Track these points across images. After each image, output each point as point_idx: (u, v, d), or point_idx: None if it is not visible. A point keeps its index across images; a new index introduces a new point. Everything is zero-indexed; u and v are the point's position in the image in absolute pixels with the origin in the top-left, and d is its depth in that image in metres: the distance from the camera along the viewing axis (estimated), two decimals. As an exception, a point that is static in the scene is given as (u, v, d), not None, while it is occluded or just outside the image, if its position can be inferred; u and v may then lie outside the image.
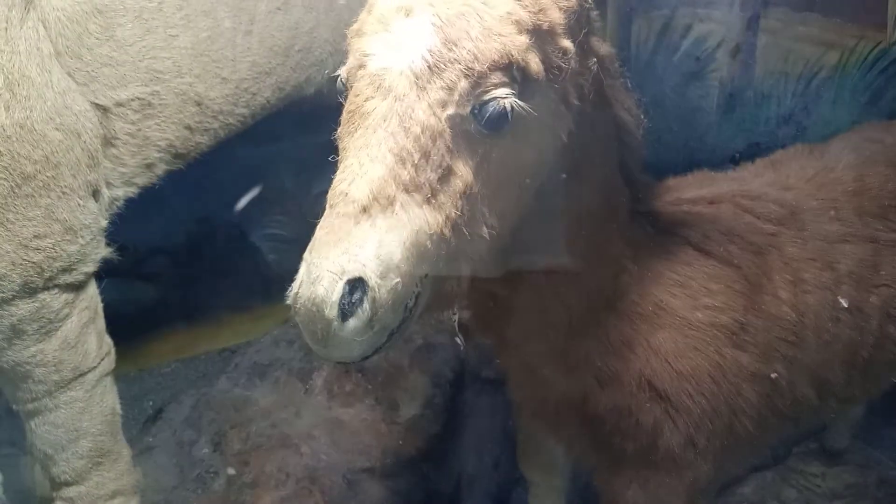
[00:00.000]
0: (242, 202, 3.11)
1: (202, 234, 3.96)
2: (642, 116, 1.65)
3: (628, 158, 1.64)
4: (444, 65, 1.12)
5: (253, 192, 3.08)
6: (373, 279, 1.05)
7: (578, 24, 1.27)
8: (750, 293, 1.71)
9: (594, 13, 1.36)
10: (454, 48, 1.12)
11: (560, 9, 1.22)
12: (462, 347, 1.97)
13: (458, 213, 1.16)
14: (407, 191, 1.10)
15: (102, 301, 2.15)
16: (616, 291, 1.63)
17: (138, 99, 1.88)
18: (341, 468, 2.77)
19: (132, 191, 2.10)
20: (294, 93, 2.47)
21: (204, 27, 1.97)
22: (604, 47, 1.51)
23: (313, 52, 2.42)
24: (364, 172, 1.09)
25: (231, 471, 2.79)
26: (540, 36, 1.20)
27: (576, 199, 1.48)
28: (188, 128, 2.09)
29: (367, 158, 1.10)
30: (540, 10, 1.19)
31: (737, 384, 1.69)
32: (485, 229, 1.22)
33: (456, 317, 1.89)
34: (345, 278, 1.04)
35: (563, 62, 1.23)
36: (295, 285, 1.08)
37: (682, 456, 1.71)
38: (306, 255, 1.08)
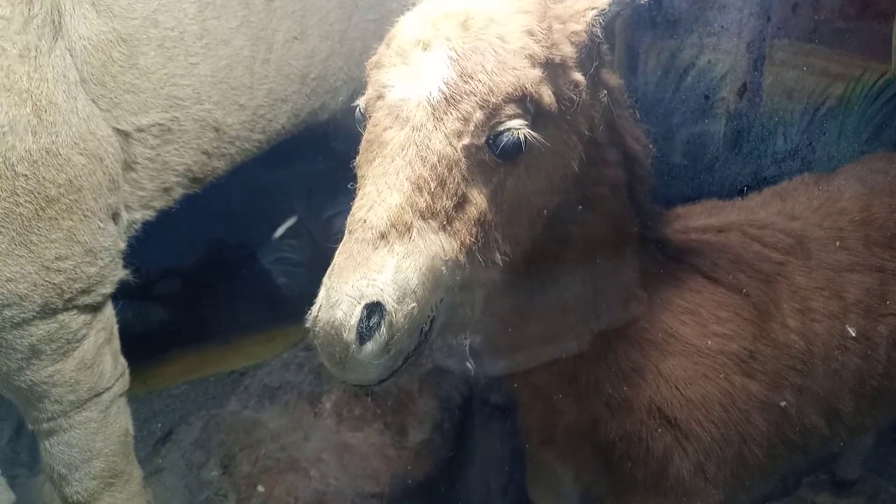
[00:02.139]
0: (280, 230, 3.14)
1: (213, 257, 4.00)
2: (650, 146, 1.69)
3: (637, 187, 1.67)
4: (461, 96, 1.16)
5: (289, 222, 3.09)
6: (390, 304, 1.08)
7: (589, 58, 1.31)
8: (759, 321, 1.72)
9: (604, 47, 1.40)
10: (470, 81, 1.16)
11: (572, 43, 1.27)
12: (473, 372, 1.98)
13: (473, 239, 1.19)
14: (423, 218, 1.14)
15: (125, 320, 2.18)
16: (626, 318, 1.65)
17: (158, 125, 1.93)
18: (350, 493, 2.77)
19: (150, 214, 2.14)
20: (309, 119, 2.52)
21: (223, 55, 2.02)
22: (613, 79, 1.55)
23: (328, 80, 2.47)
24: (382, 200, 1.13)
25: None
26: (552, 69, 1.24)
27: (586, 226, 1.51)
28: (206, 153, 2.14)
29: (385, 186, 1.14)
30: (552, 45, 1.23)
31: (746, 412, 1.70)
32: (498, 255, 1.25)
33: (467, 342, 1.91)
34: (363, 303, 1.07)
35: (575, 94, 1.27)
36: (314, 309, 1.11)
37: (692, 483, 1.71)
38: (325, 279, 1.11)
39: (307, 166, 3.59)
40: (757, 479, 1.88)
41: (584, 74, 1.29)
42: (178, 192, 2.17)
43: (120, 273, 2.03)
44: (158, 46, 1.86)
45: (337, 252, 1.13)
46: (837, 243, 1.90)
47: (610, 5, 1.28)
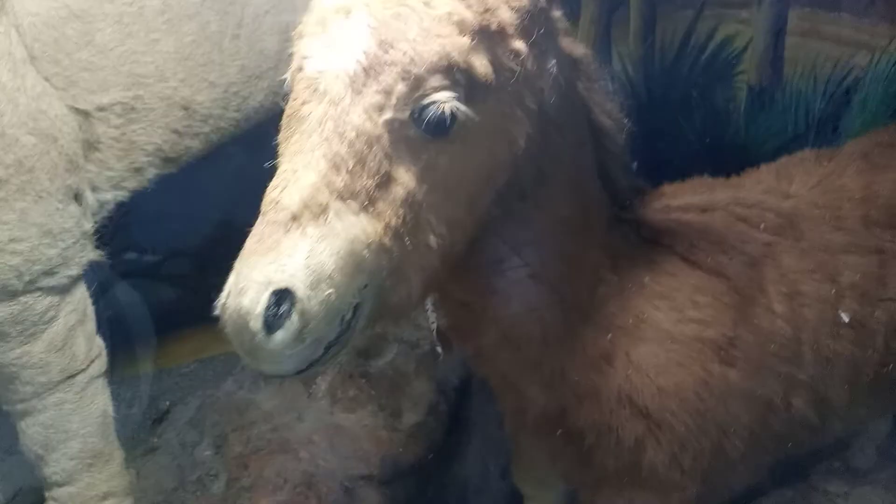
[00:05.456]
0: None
1: (222, 236, 3.99)
2: (624, 121, 1.58)
3: (609, 163, 1.57)
4: (380, 67, 1.07)
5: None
6: (301, 290, 1.01)
7: (534, 25, 1.20)
8: (741, 306, 1.62)
9: (556, 13, 1.29)
10: (390, 50, 1.07)
11: (511, 8, 1.16)
12: (441, 356, 1.93)
13: (400, 221, 1.11)
14: (342, 198, 1.06)
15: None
16: (594, 303, 1.56)
17: (121, 103, 1.88)
18: (339, 475, 2.74)
19: (122, 194, 2.11)
20: (292, 96, 2.45)
21: (188, 31, 1.96)
22: (578, 49, 1.44)
23: (309, 55, 2.39)
24: (296, 179, 1.05)
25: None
26: (488, 37, 1.14)
27: (545, 205, 1.42)
28: (176, 132, 2.09)
29: (300, 164, 1.06)
30: (486, 10, 1.13)
31: (725, 402, 1.60)
32: (432, 238, 1.17)
33: (435, 325, 1.84)
34: (270, 289, 1.00)
35: (516, 64, 1.17)
36: (223, 295, 1.04)
37: (668, 476, 1.63)
38: (236, 263, 1.05)
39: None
40: (742, 472, 1.79)
41: (527, 43, 1.19)
42: (150, 173, 2.13)
43: (90, 254, 2.00)
44: (116, 22, 1.80)
45: (249, 235, 1.07)
46: (834, 223, 1.77)
47: None
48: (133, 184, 2.11)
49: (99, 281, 2.52)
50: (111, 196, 2.06)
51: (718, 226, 1.71)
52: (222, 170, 2.59)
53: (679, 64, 3.86)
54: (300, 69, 1.13)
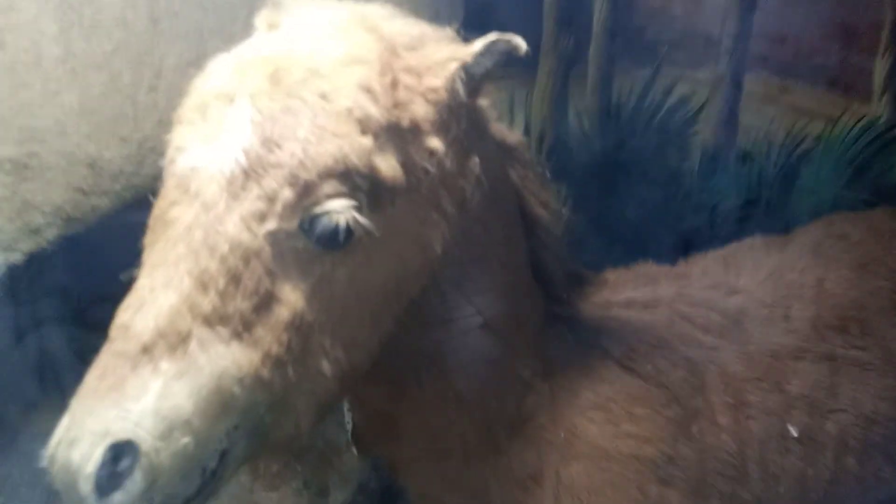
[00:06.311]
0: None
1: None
2: (561, 210, 1.44)
3: (544, 255, 1.43)
4: (263, 169, 0.91)
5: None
6: (148, 442, 0.83)
7: (454, 119, 1.05)
8: (682, 419, 1.47)
9: (483, 102, 1.15)
10: (276, 150, 0.91)
11: (428, 102, 1.01)
12: (358, 458, 1.77)
13: (283, 348, 0.94)
14: (208, 324, 0.89)
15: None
16: (522, 415, 1.40)
17: (11, 160, 1.69)
18: (253, 563, 2.51)
19: (15, 256, 1.89)
20: (217, 151, 2.28)
21: (95, 83, 1.78)
22: (512, 136, 1.31)
23: (237, 109, 2.22)
24: (153, 299, 0.88)
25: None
26: (398, 135, 0.99)
27: (467, 311, 1.26)
28: (80, 190, 1.89)
29: (159, 281, 0.89)
30: (397, 105, 0.98)
31: (663, 526, 1.45)
32: (325, 364, 1.00)
33: (350, 425, 1.66)
34: (107, 442, 0.82)
35: (432, 164, 1.02)
36: (51, 442, 0.85)
37: None
38: (71, 403, 0.86)
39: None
40: None
41: (446, 139, 1.04)
42: (51, 233, 1.92)
43: (-26, 321, 1.78)
44: (8, 71, 1.61)
45: (91, 367, 0.89)
46: (783, 325, 1.65)
47: (476, 57, 1.02)
48: (29, 245, 1.90)
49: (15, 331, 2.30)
50: (2, 258, 1.85)
51: (660, 326, 1.57)
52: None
53: (635, 120, 3.80)
54: (172, 162, 0.96)
